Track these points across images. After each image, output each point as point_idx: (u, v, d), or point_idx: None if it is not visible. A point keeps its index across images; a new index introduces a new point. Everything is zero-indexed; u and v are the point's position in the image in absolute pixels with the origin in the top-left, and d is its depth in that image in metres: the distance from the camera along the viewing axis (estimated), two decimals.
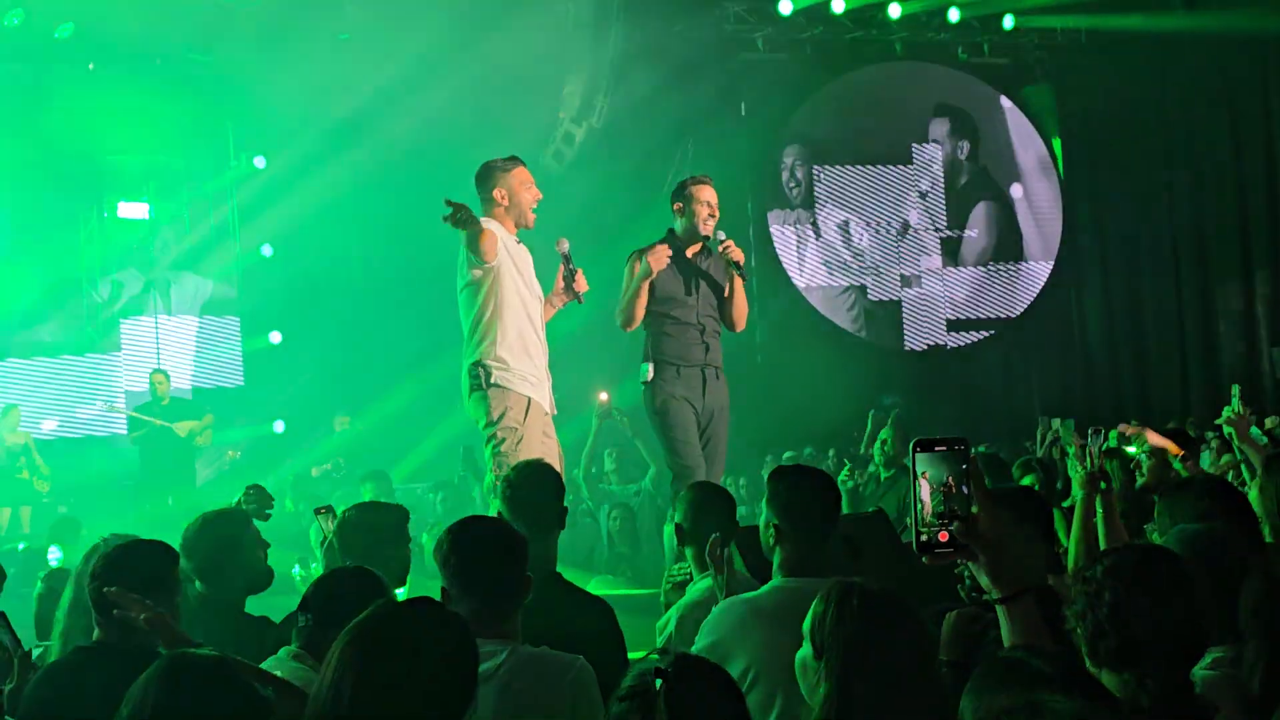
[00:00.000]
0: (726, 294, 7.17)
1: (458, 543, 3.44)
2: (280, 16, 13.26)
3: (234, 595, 4.59)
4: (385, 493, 9.37)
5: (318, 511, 5.32)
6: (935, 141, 17.45)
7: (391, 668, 2.47)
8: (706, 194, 7.00)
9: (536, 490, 4.41)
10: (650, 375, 7.00)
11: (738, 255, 7.02)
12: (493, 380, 6.26)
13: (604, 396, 11.03)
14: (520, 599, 3.42)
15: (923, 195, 17.40)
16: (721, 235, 7.05)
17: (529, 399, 6.33)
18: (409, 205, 13.80)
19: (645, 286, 6.94)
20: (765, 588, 3.97)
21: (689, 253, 7.08)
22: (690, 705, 2.43)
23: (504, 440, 6.23)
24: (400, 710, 2.45)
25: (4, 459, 12.66)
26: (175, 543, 4.30)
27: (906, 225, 17.33)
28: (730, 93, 15.92)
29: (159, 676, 2.63)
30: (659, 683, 2.44)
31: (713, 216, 7.02)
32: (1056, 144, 17.61)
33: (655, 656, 2.55)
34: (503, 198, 6.45)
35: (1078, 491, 4.74)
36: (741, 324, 7.28)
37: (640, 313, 7.01)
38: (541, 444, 6.30)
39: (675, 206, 7.07)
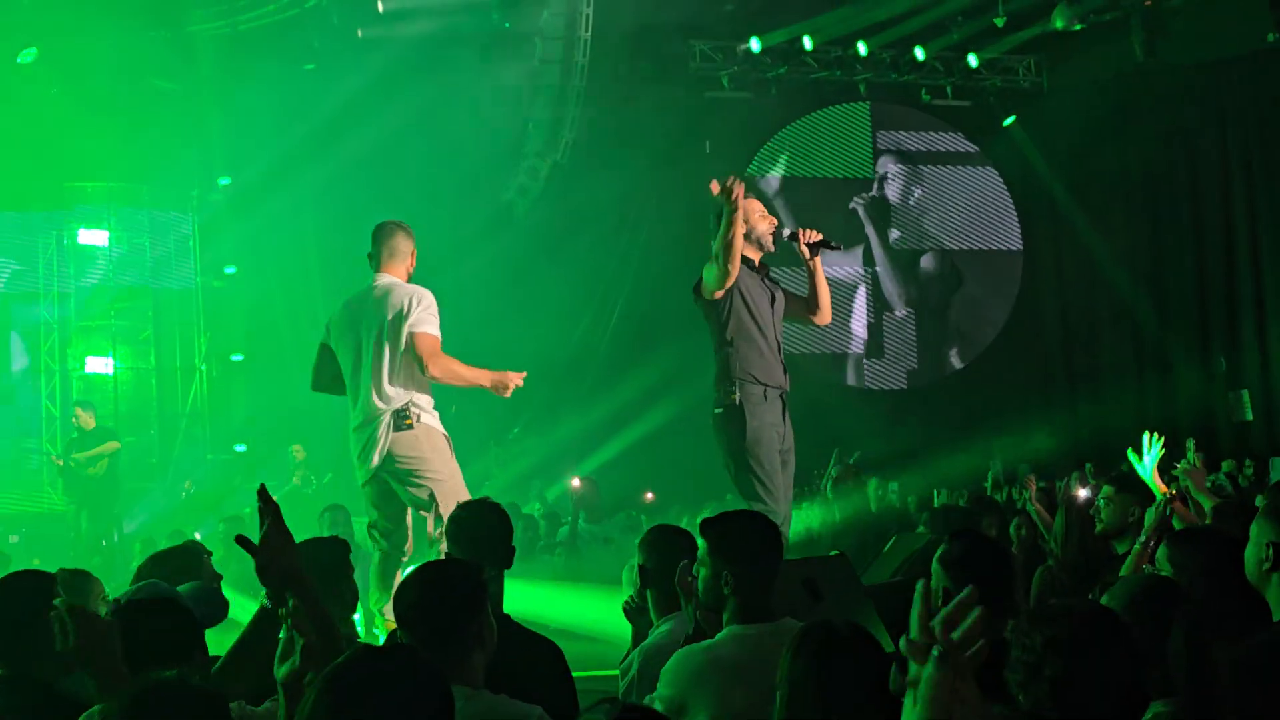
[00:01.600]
0: (807, 291, 6.72)
1: (415, 587, 3.38)
2: (246, 47, 13.25)
3: None
4: (343, 526, 9.26)
5: None
6: (896, 187, 17.59)
7: (366, 716, 2.44)
8: (755, 205, 6.51)
9: (486, 529, 4.40)
10: (736, 399, 6.35)
11: (818, 235, 6.59)
12: (423, 420, 6.36)
13: (576, 483, 11.11)
14: (479, 642, 3.34)
15: (884, 240, 17.52)
16: (786, 231, 6.63)
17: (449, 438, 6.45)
18: (369, 232, 13.82)
19: (739, 225, 6.22)
20: (721, 635, 3.93)
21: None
22: None
23: (448, 480, 6.32)
24: None
25: None
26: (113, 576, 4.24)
27: (865, 269, 17.42)
28: (695, 129, 15.98)
29: (129, 704, 2.61)
30: None
31: (773, 223, 6.57)
32: (1018, 188, 17.78)
33: (605, 705, 2.52)
34: (413, 260, 6.68)
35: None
36: (829, 311, 6.81)
37: (737, 252, 6.26)
38: None
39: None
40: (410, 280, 6.58)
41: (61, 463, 12.55)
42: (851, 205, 17.38)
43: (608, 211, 15.19)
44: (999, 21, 15.54)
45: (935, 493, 11.85)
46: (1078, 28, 15.41)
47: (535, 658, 4.09)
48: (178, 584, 4.57)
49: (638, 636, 4.56)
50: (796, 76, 16.50)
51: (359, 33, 13.85)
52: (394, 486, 6.40)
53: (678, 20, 14.48)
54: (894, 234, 17.60)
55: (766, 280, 6.65)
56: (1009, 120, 17.29)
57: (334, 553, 4.62)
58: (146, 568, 4.77)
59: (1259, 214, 16.55)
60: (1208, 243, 16.93)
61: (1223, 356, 12.41)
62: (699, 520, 4.32)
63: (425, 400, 6.45)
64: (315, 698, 2.45)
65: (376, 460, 6.36)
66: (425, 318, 6.42)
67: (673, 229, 15.03)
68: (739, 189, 6.19)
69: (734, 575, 3.91)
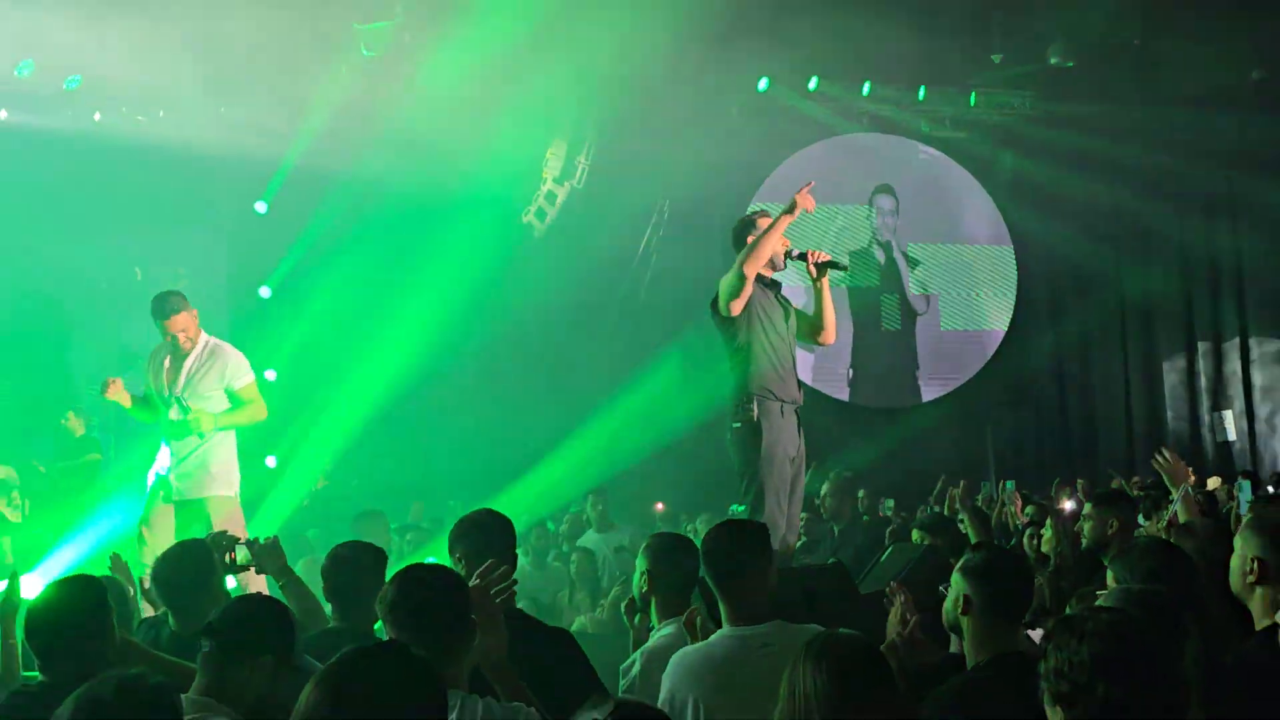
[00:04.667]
0: (814, 310, 6.77)
1: (401, 590, 3.32)
2: (276, 75, 13.26)
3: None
4: (381, 532, 9.11)
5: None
6: (892, 213, 17.55)
7: (359, 713, 2.40)
8: (768, 224, 6.50)
9: (491, 536, 4.37)
10: (754, 415, 6.32)
11: (826, 256, 6.66)
12: None
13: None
14: (467, 642, 3.31)
15: (881, 262, 17.46)
16: (795, 251, 6.61)
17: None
18: (399, 254, 13.92)
19: (783, 229, 6.38)
20: (715, 636, 4.01)
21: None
22: None
23: None
24: None
25: None
26: None
27: (866, 289, 17.36)
28: (704, 157, 15.95)
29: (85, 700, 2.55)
30: None
31: (785, 243, 6.59)
32: (1012, 215, 17.70)
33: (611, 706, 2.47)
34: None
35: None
36: (834, 331, 6.85)
37: (766, 257, 6.40)
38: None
39: (749, 240, 6.46)
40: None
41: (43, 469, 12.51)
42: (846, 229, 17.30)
43: (621, 235, 15.18)
44: (995, 58, 15.52)
45: (927, 506, 11.79)
46: (1070, 65, 15.38)
47: (546, 648, 4.12)
48: (192, 580, 4.56)
49: (636, 638, 4.55)
50: (803, 109, 16.49)
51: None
52: None
53: (691, 53, 14.38)
54: (887, 258, 17.54)
55: (779, 297, 6.64)
56: (1005, 152, 17.25)
57: (372, 557, 4.56)
58: (164, 565, 4.73)
59: (1242, 243, 16.54)
60: (1194, 273, 16.89)
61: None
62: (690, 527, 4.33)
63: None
64: (309, 694, 2.41)
65: None
66: None
67: (682, 253, 15.02)
68: (810, 202, 6.36)
69: (715, 581, 4.05)
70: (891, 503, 12.39)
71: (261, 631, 3.23)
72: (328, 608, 4.65)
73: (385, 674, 2.47)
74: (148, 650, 4.07)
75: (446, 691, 2.58)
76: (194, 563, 4.66)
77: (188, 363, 7.54)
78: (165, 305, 7.48)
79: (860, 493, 12.06)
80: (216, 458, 7.54)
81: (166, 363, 7.58)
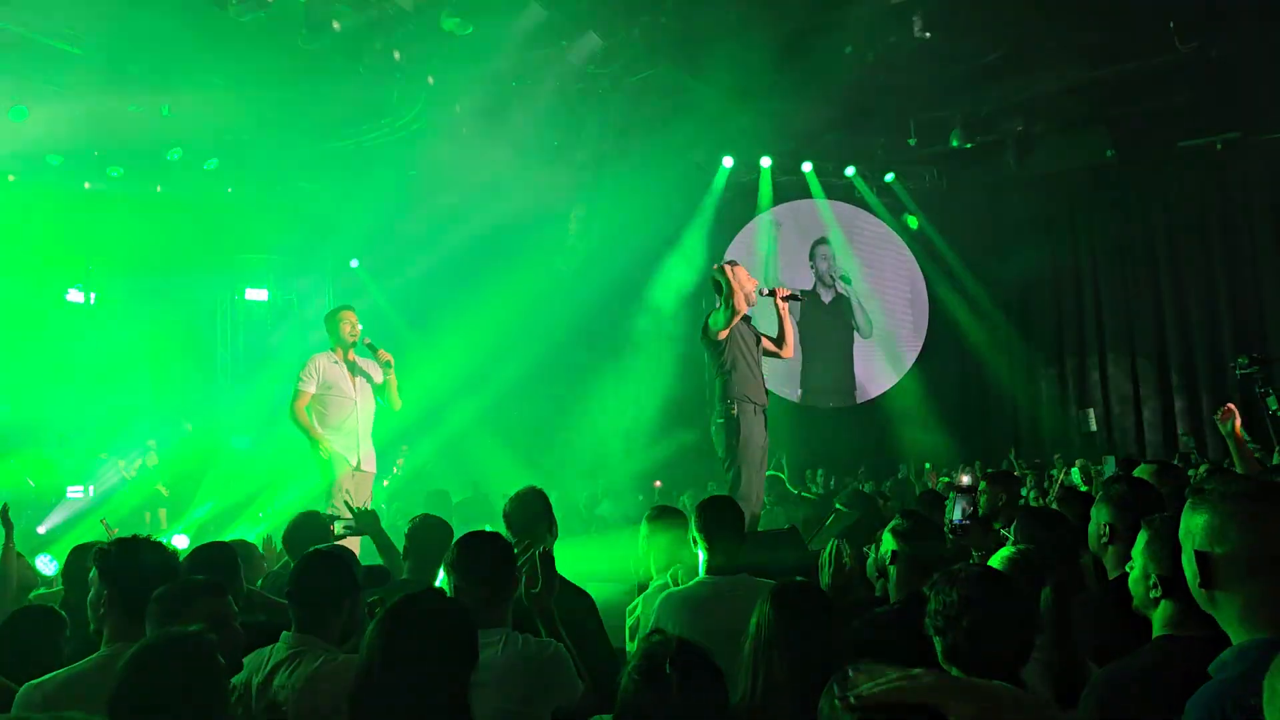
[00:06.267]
0: (776, 332, 6.64)
1: (460, 551, 3.35)
2: (367, 157, 13.33)
3: None
4: (445, 508, 9.00)
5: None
6: (828, 258, 17.56)
7: (408, 644, 2.45)
8: (741, 273, 6.41)
9: (527, 507, 4.32)
10: (735, 413, 6.25)
11: (787, 291, 6.62)
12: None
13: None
14: (508, 591, 3.30)
15: (825, 299, 17.46)
16: (765, 289, 6.53)
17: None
18: (471, 293, 13.99)
19: (736, 285, 6.31)
20: (693, 582, 3.92)
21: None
22: (697, 683, 2.28)
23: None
24: (416, 676, 2.41)
25: (143, 476, 12.63)
26: None
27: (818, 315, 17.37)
28: (688, 217, 15.99)
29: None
30: (668, 667, 2.24)
31: (755, 283, 6.50)
32: (924, 261, 17.71)
33: (656, 638, 2.38)
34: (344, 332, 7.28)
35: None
36: (793, 347, 6.70)
37: (742, 295, 6.32)
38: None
39: (726, 284, 6.37)
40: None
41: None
42: (813, 286, 17.31)
43: (625, 274, 15.19)
44: (911, 141, 15.54)
45: (860, 483, 11.77)
46: (969, 146, 15.40)
47: (574, 604, 4.07)
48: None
49: (639, 584, 4.54)
50: (759, 182, 16.55)
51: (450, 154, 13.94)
52: None
53: (674, 141, 14.40)
54: (832, 297, 17.52)
55: (751, 326, 6.63)
56: (913, 219, 17.30)
57: (444, 533, 4.47)
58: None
59: (1101, 285, 16.57)
60: (1065, 305, 16.88)
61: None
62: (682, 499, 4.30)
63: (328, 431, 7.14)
64: (370, 632, 2.45)
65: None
66: (299, 376, 7.23)
67: (669, 293, 15.11)
68: (728, 270, 6.31)
69: (706, 539, 3.95)
70: (833, 481, 12.38)
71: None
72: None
73: (427, 614, 2.53)
74: (268, 597, 4.07)
75: (474, 626, 2.58)
76: (315, 529, 4.69)
77: (355, 352, 7.29)
78: (344, 306, 7.34)
79: (819, 472, 12.04)
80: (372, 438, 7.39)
81: (351, 355, 7.25)
